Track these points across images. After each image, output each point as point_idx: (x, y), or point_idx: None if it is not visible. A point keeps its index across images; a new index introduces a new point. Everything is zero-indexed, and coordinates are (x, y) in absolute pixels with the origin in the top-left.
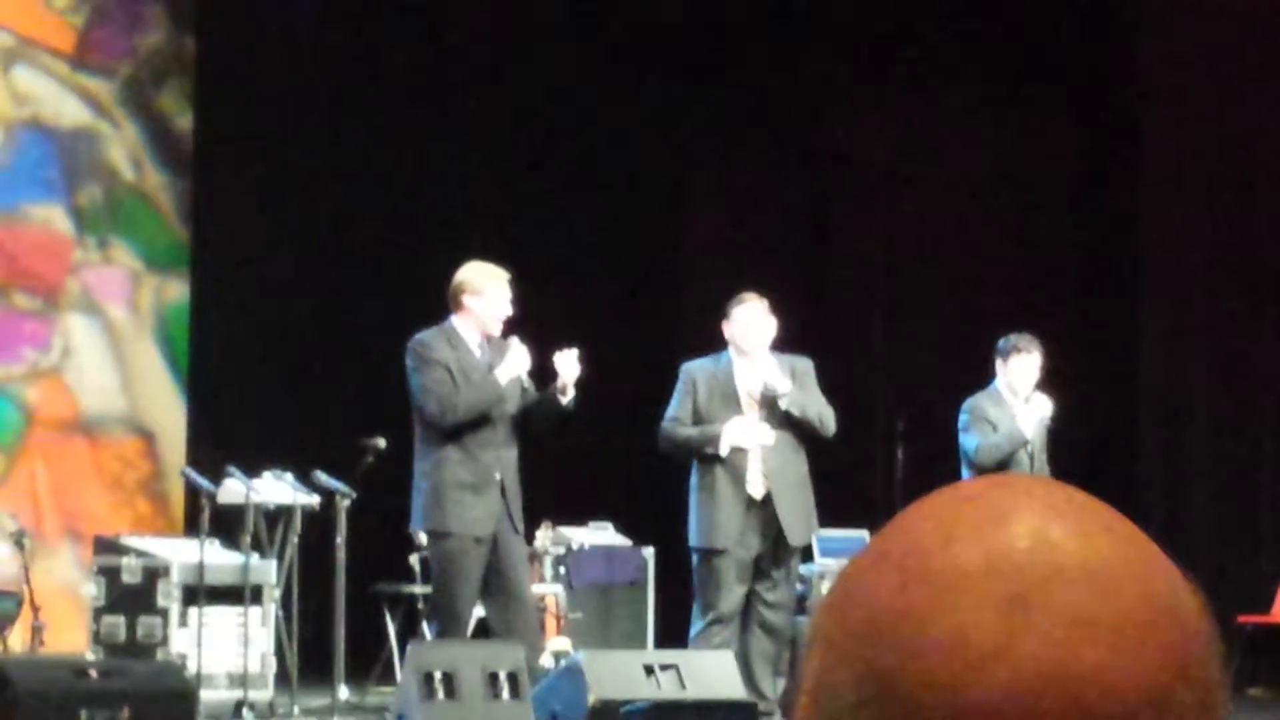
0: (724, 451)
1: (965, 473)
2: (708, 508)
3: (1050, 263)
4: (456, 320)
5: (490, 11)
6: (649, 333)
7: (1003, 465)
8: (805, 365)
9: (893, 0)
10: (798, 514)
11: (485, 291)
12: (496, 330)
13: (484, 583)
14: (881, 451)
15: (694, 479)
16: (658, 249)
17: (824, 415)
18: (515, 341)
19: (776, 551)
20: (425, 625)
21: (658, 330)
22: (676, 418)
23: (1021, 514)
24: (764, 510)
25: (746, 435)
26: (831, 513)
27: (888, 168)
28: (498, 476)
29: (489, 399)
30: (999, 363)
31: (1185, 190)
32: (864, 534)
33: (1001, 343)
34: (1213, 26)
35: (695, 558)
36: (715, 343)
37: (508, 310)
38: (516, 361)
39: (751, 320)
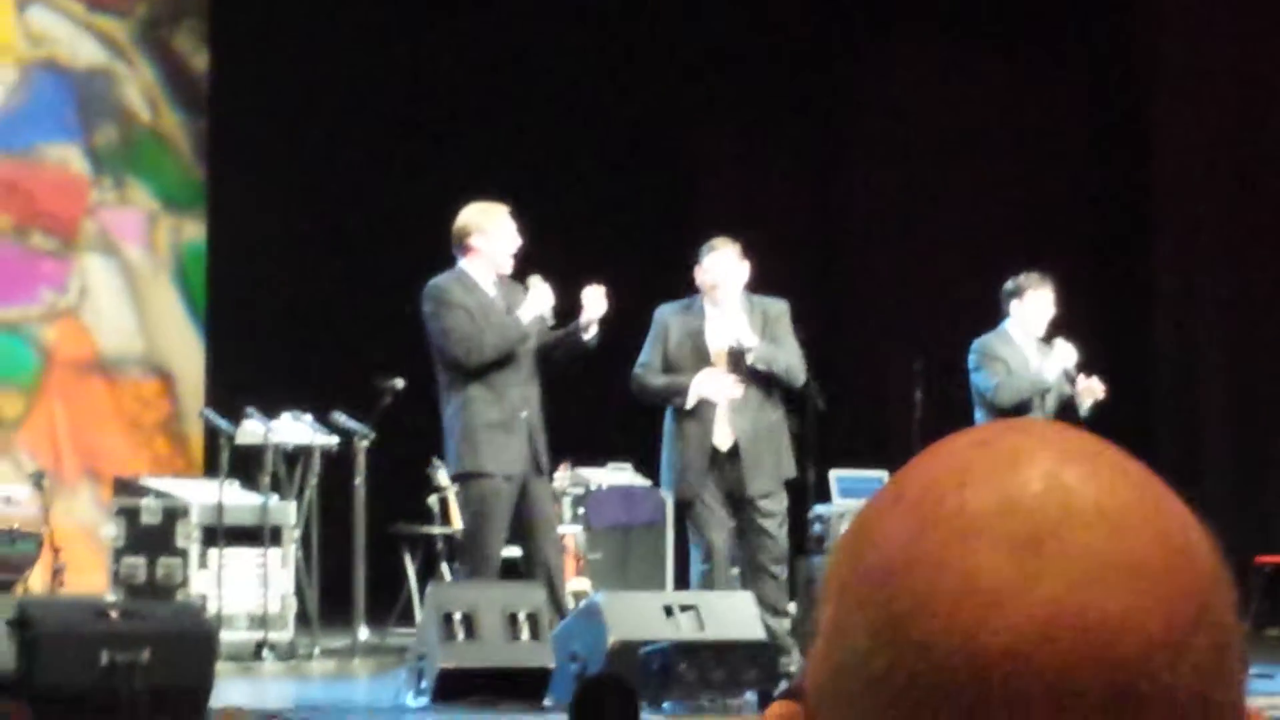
0: (690, 404)
1: (978, 413)
2: (674, 456)
3: (1060, 211)
4: (465, 263)
5: None
6: (665, 276)
7: (1020, 408)
8: (779, 309)
9: None
10: (763, 466)
11: (490, 229)
12: (508, 266)
13: (513, 522)
14: (899, 392)
15: (667, 424)
16: (670, 200)
17: (791, 367)
18: (537, 280)
19: (746, 501)
20: (445, 566)
21: (674, 274)
22: (647, 364)
23: (1035, 458)
24: (730, 460)
25: (714, 388)
26: (850, 453)
27: (898, 116)
28: (524, 415)
29: (514, 338)
30: (1011, 303)
31: (1195, 140)
32: (882, 474)
33: (1010, 283)
34: (1222, 32)
35: (675, 506)
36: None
37: (516, 242)
38: (539, 300)
39: (724, 266)
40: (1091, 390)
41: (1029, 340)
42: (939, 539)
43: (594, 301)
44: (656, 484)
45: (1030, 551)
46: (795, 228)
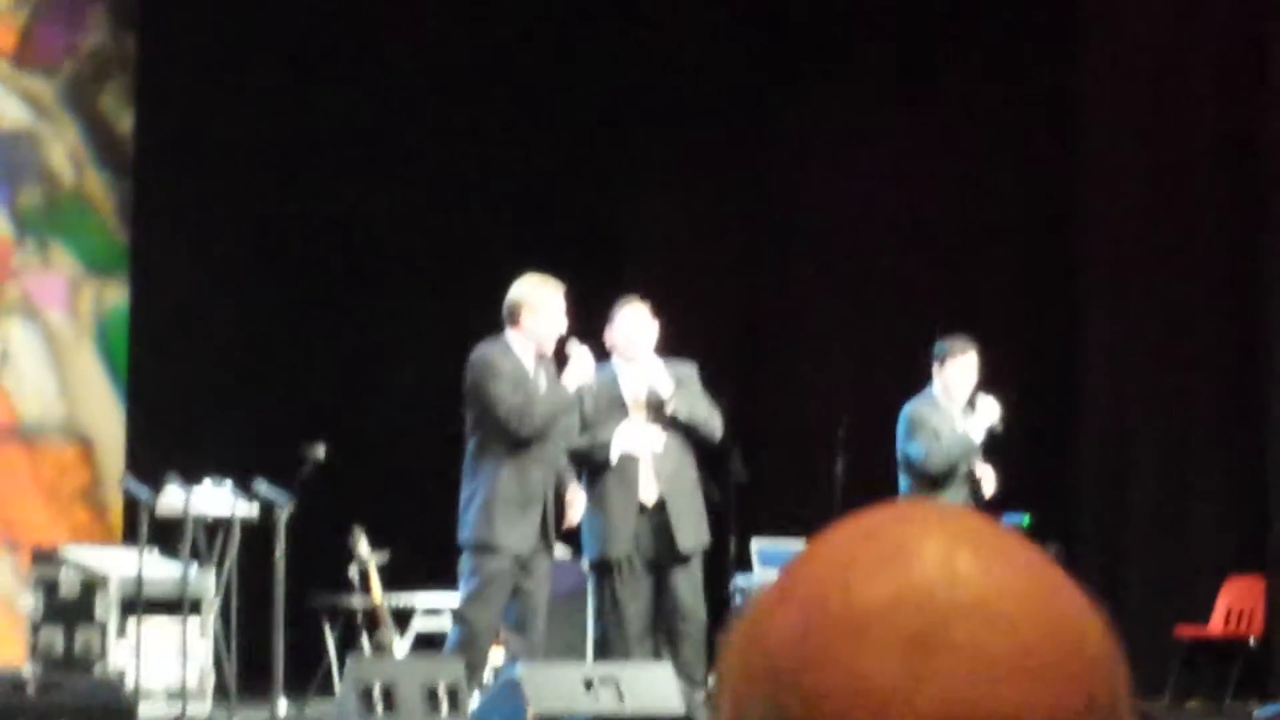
0: (614, 459)
1: (904, 480)
2: (598, 517)
3: (986, 264)
4: (511, 335)
5: (437, 11)
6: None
7: (948, 476)
8: (689, 371)
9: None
10: (690, 518)
11: (541, 309)
12: (550, 348)
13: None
14: (821, 459)
15: (586, 487)
16: (599, 253)
17: (711, 419)
18: (578, 346)
19: (671, 558)
20: (365, 637)
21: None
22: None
23: (923, 549)
24: (656, 516)
25: (636, 441)
26: (771, 522)
27: (823, 170)
28: (542, 493)
29: (562, 406)
30: (935, 366)
31: (1121, 187)
32: (803, 543)
33: (937, 346)
34: (1145, 25)
35: (592, 574)
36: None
37: (563, 327)
38: (581, 368)
39: (635, 324)
40: (987, 480)
41: (953, 404)
42: (826, 639)
43: (582, 361)
44: (578, 554)
45: (918, 649)
46: (716, 292)
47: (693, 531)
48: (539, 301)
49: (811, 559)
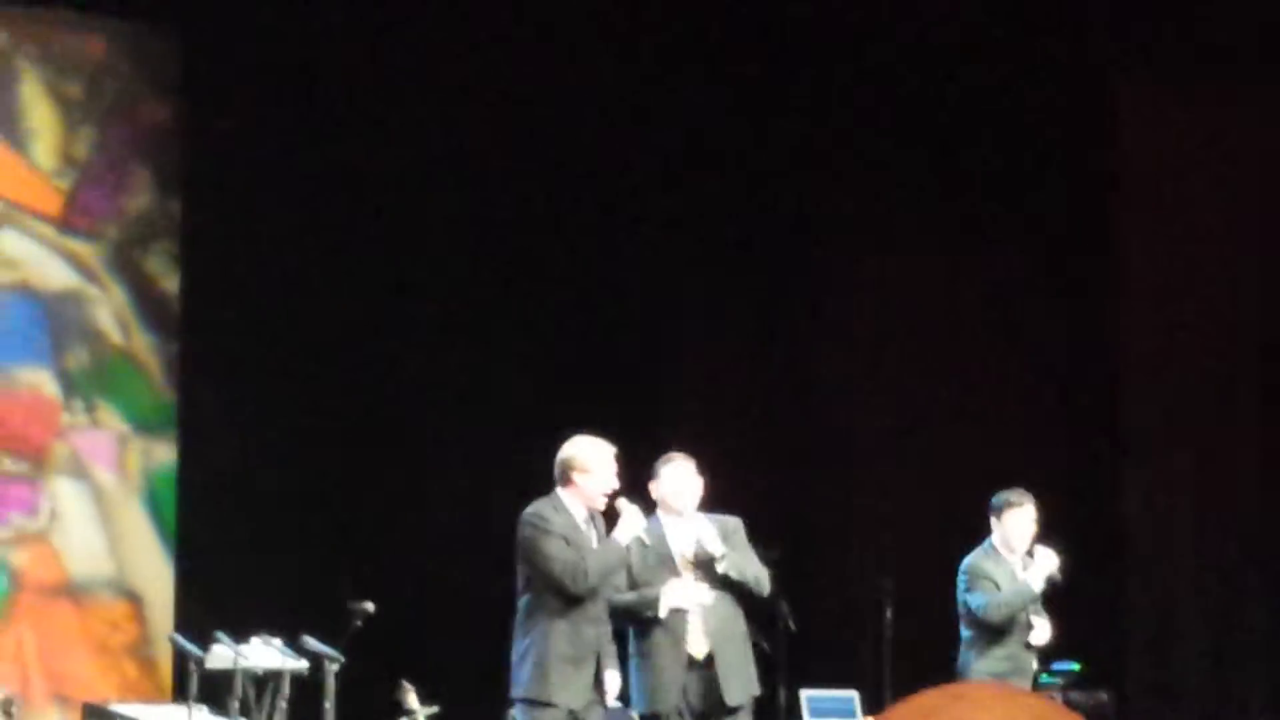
0: (663, 614)
1: (966, 632)
2: (648, 672)
3: (1031, 414)
4: (563, 493)
5: (480, 166)
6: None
7: (1008, 626)
8: (735, 524)
9: (859, 135)
10: (738, 672)
11: (594, 469)
12: (601, 505)
13: None
14: (870, 611)
15: (631, 645)
16: (640, 404)
17: (760, 576)
18: (626, 504)
19: (721, 711)
20: None
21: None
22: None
23: None
24: (705, 670)
25: (685, 597)
26: (820, 672)
27: (869, 317)
28: (596, 649)
29: (615, 562)
30: (993, 519)
31: (1161, 322)
32: (853, 694)
33: (995, 499)
34: (1184, 175)
35: None
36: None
37: (614, 485)
38: (631, 524)
39: (681, 480)
40: (1042, 631)
41: (1014, 556)
42: None
43: (632, 517)
44: (627, 705)
45: None
46: (761, 442)
47: (742, 685)
48: (591, 460)
49: None
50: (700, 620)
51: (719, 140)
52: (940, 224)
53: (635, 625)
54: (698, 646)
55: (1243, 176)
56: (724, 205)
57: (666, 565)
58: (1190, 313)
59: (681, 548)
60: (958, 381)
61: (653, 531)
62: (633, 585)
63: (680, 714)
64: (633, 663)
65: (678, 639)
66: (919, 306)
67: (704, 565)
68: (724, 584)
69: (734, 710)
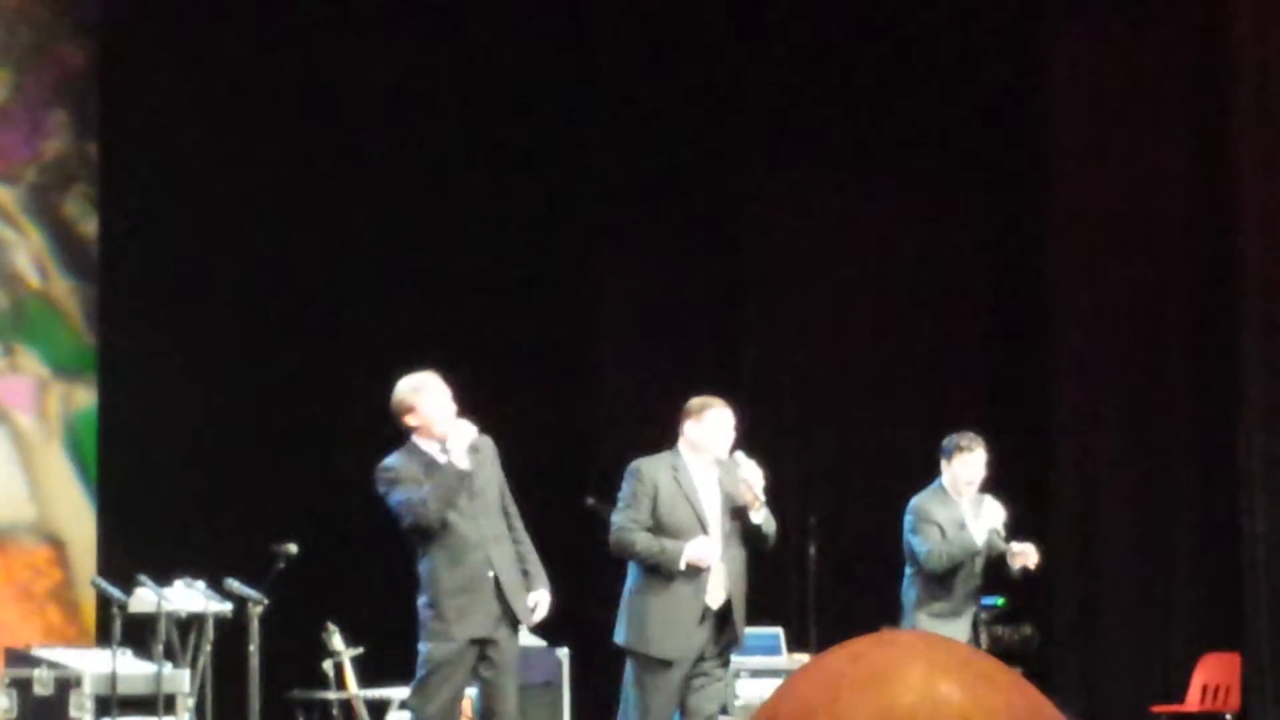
0: (682, 567)
1: (909, 568)
2: (666, 619)
3: (962, 354)
4: (413, 438)
5: (399, 84)
6: (560, 431)
7: (951, 571)
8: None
9: (811, 85)
10: (744, 622)
11: (418, 405)
12: (449, 432)
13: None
14: (794, 548)
15: (638, 580)
16: (571, 337)
17: (773, 529)
18: (461, 423)
19: (719, 651)
20: None
21: (568, 431)
22: (635, 521)
23: (906, 671)
24: (719, 618)
25: (707, 554)
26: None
27: (799, 254)
28: (490, 574)
29: (452, 483)
30: (943, 462)
31: (1093, 271)
32: (777, 631)
33: (946, 441)
34: (1112, 111)
35: (635, 661)
36: (627, 443)
37: (448, 409)
38: (461, 438)
39: (725, 427)
40: (1025, 555)
41: (961, 498)
42: None
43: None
44: (552, 644)
45: None
46: (686, 381)
47: (742, 626)
48: (409, 399)
49: (800, 681)
50: (723, 573)
51: (656, 93)
52: (867, 169)
53: (648, 566)
54: (715, 598)
55: (1160, 110)
56: (654, 152)
57: (695, 515)
58: (1119, 251)
59: (712, 493)
60: (886, 325)
61: (682, 475)
62: (659, 529)
63: (678, 664)
64: (639, 600)
65: (699, 587)
66: (842, 230)
67: (739, 512)
68: (745, 533)
69: (722, 655)
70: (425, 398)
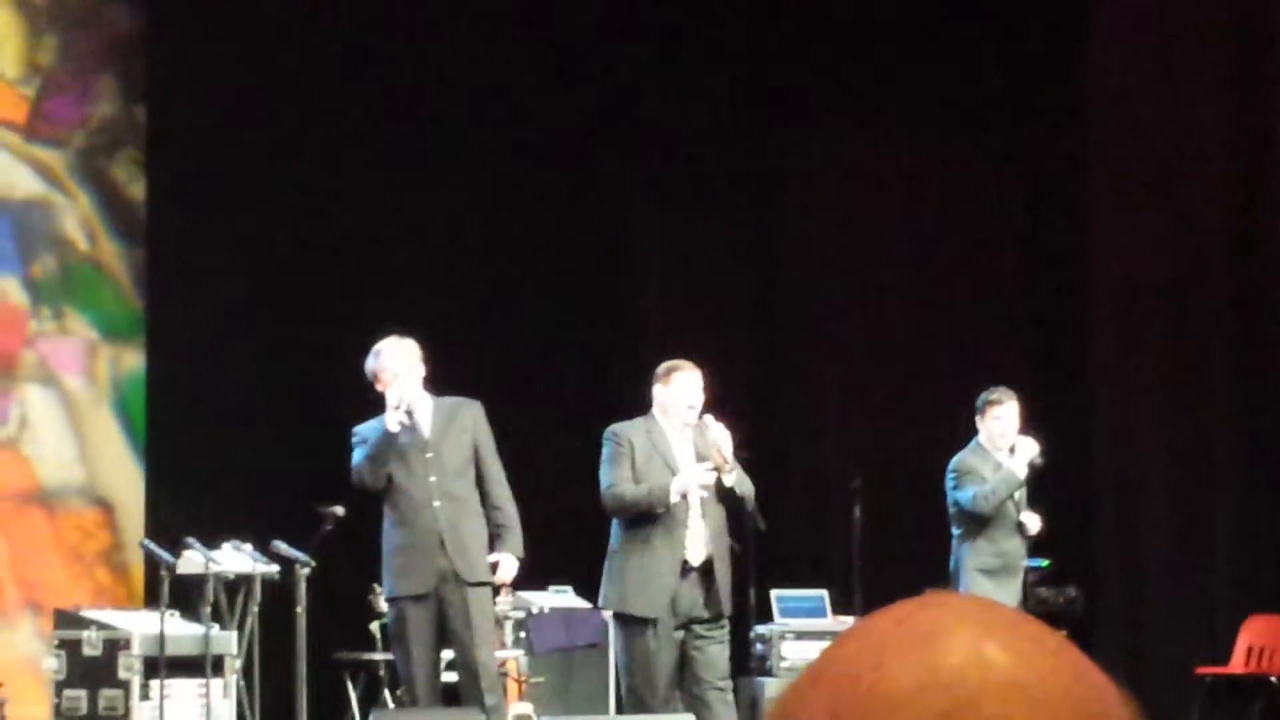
0: (674, 499)
1: (956, 529)
2: (642, 575)
3: (1003, 311)
4: (388, 395)
5: (438, 65)
6: (603, 395)
7: (1000, 513)
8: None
9: (853, 39)
10: (726, 585)
11: (386, 372)
12: (416, 397)
13: (441, 632)
14: (838, 511)
15: (618, 541)
16: (611, 316)
17: (750, 492)
18: (400, 392)
19: (706, 620)
20: (387, 692)
21: (612, 394)
22: (620, 478)
23: (952, 632)
24: (701, 577)
25: (695, 478)
26: (790, 573)
27: (840, 213)
28: (435, 531)
29: (382, 446)
30: (978, 418)
31: (1133, 226)
32: (822, 593)
33: (979, 398)
34: (1153, 67)
35: (621, 625)
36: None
37: (396, 369)
38: (392, 397)
39: (694, 390)
40: (1030, 524)
41: (998, 451)
42: (857, 718)
43: (506, 568)
44: (597, 606)
45: None
46: (731, 342)
47: (728, 596)
48: (376, 368)
49: (844, 643)
50: (701, 528)
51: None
52: (908, 120)
53: (628, 522)
54: (696, 554)
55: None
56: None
57: (668, 472)
58: (1161, 206)
59: (687, 453)
60: (927, 282)
61: (655, 437)
62: (639, 481)
63: (661, 621)
64: (623, 562)
65: (676, 544)
66: (886, 199)
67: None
68: (720, 494)
69: (717, 618)
70: (376, 360)
